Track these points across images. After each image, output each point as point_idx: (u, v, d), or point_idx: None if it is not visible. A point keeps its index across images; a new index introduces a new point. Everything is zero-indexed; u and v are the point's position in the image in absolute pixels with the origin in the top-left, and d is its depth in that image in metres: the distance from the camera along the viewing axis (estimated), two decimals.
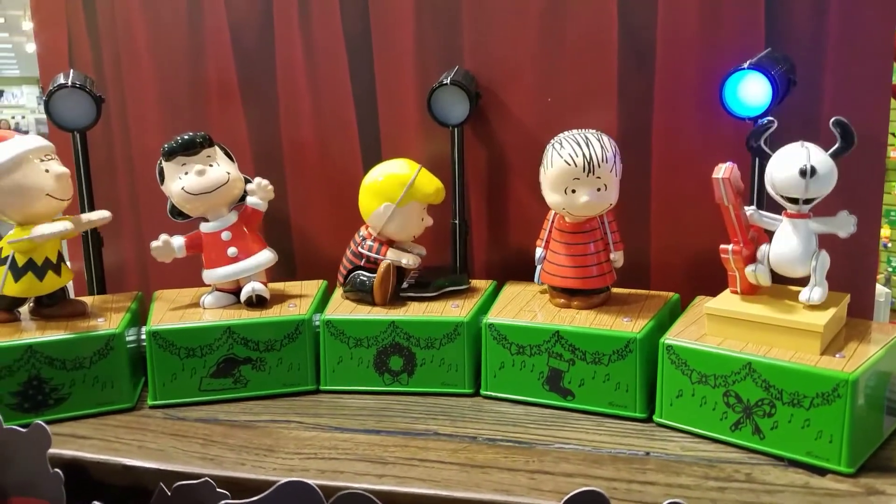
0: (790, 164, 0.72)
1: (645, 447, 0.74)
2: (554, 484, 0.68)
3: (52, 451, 0.72)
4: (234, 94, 1.07)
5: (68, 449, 0.77)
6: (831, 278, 0.75)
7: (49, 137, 0.92)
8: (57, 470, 0.70)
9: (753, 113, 0.81)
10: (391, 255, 0.90)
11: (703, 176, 0.76)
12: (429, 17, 0.99)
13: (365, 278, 0.90)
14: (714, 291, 0.82)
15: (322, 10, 1.02)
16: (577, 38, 0.94)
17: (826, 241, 0.75)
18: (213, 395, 0.87)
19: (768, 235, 0.78)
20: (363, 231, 0.93)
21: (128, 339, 0.87)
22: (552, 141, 0.83)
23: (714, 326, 0.77)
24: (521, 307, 0.88)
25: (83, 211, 0.99)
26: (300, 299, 0.93)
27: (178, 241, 0.91)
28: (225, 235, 0.91)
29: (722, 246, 0.77)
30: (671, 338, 0.78)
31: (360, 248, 0.92)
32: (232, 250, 0.91)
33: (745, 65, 0.80)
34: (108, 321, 0.87)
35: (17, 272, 0.86)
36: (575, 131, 0.82)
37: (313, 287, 0.98)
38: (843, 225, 0.73)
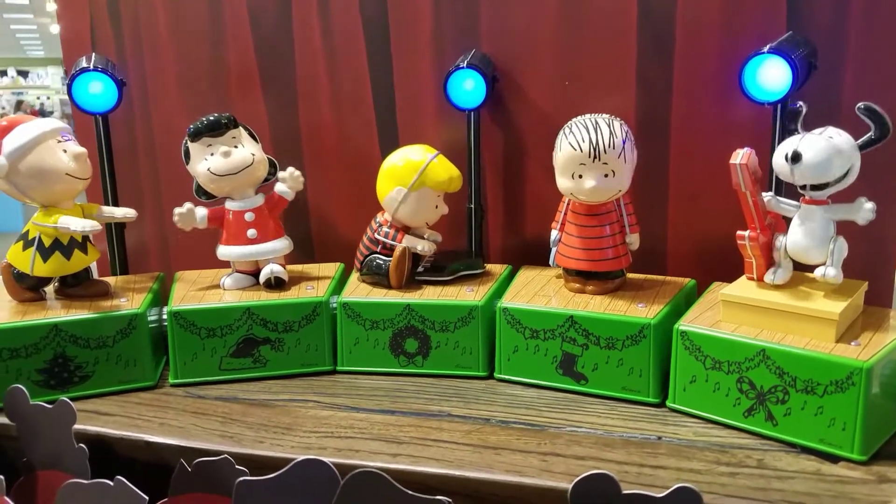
0: (782, 149, 0.71)
1: (657, 432, 0.75)
2: (565, 466, 0.69)
3: (76, 426, 0.74)
4: (253, 78, 1.07)
5: (92, 425, 0.79)
6: (849, 265, 0.75)
7: (73, 124, 0.94)
8: (82, 445, 0.73)
9: (773, 97, 0.81)
10: (407, 242, 0.91)
11: (721, 161, 0.76)
12: (446, 1, 0.99)
13: (381, 262, 0.91)
14: (731, 277, 0.82)
15: None
16: (596, 23, 0.94)
17: (845, 228, 0.74)
18: (233, 374, 0.89)
19: (786, 222, 0.77)
20: (380, 217, 0.93)
21: (150, 318, 0.89)
22: (564, 126, 0.83)
23: (729, 313, 0.77)
24: (536, 292, 0.88)
25: (106, 193, 1.01)
26: (318, 282, 0.94)
27: (202, 211, 0.93)
28: (248, 216, 0.93)
29: (738, 232, 0.77)
30: (685, 324, 0.78)
31: (376, 235, 0.92)
32: (252, 232, 0.92)
33: (765, 49, 0.79)
34: (131, 301, 0.89)
35: (45, 252, 0.87)
36: (587, 116, 0.82)
37: (331, 269, 0.99)
38: (861, 212, 0.72)
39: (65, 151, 0.87)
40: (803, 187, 0.73)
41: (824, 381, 0.69)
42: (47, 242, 0.87)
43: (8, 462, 0.79)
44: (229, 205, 0.93)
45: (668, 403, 0.79)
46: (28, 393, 0.76)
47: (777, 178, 0.78)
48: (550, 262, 0.91)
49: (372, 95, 1.04)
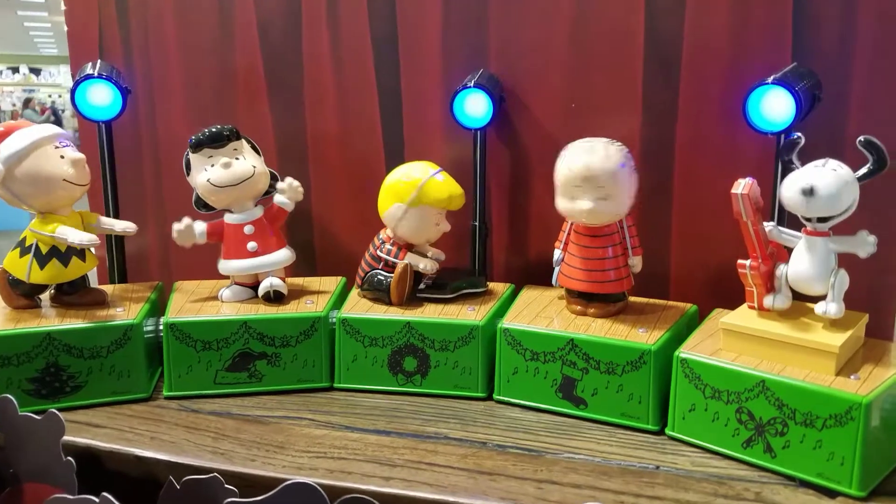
0: (795, 182, 0.71)
1: (655, 461, 0.74)
2: (561, 495, 0.68)
3: (66, 438, 0.73)
4: (260, 89, 1.07)
5: (83, 437, 0.78)
6: (852, 298, 0.74)
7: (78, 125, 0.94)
8: (69, 458, 0.72)
9: (777, 128, 0.80)
10: (409, 260, 0.90)
11: (725, 188, 0.75)
12: (456, 19, 0.99)
13: (382, 278, 0.91)
14: (734, 304, 0.81)
15: (350, 10, 1.02)
16: (604, 46, 0.94)
17: (847, 260, 0.74)
18: (228, 388, 0.88)
19: (787, 252, 0.77)
20: (382, 234, 0.93)
21: (146, 329, 0.88)
22: (564, 148, 0.83)
23: (729, 341, 0.77)
24: (538, 313, 0.87)
25: (107, 200, 1.00)
26: (318, 296, 0.94)
27: (201, 226, 0.92)
28: (248, 229, 0.92)
29: (739, 261, 0.76)
30: (686, 351, 0.77)
31: (378, 252, 0.92)
32: (252, 245, 0.92)
33: (770, 80, 0.79)
34: (127, 311, 0.89)
35: (42, 260, 0.87)
36: (587, 139, 0.82)
37: (332, 283, 0.99)
38: (863, 244, 0.72)
39: (62, 157, 0.87)
40: (808, 219, 0.72)
41: (823, 415, 0.68)
42: (44, 249, 0.87)
43: None
44: (228, 218, 0.92)
45: (668, 431, 0.78)
46: (18, 402, 0.75)
47: (779, 207, 0.77)
48: (553, 282, 0.90)
49: (379, 110, 1.04)
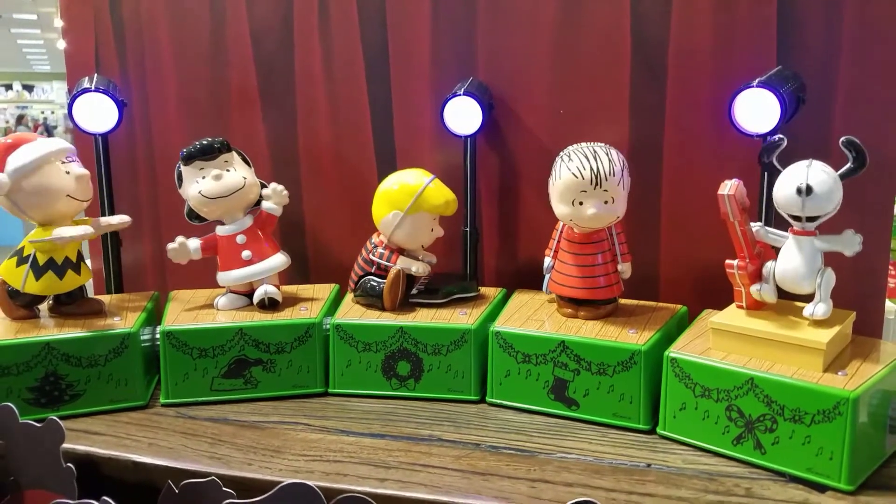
0: (789, 181, 0.72)
1: (647, 459, 0.75)
2: (554, 493, 0.69)
3: (65, 445, 0.74)
4: (253, 101, 1.08)
5: (82, 444, 0.79)
6: (840, 296, 0.75)
7: (73, 139, 0.95)
8: (69, 464, 0.72)
9: (762, 130, 0.82)
10: (401, 263, 0.92)
11: (712, 190, 0.76)
12: (445, 29, 1.00)
13: (375, 283, 0.92)
14: (723, 304, 0.82)
15: (341, 21, 1.04)
16: (590, 52, 0.95)
17: (835, 258, 0.75)
18: (224, 395, 0.89)
19: (775, 251, 0.78)
20: (374, 239, 0.94)
21: (142, 338, 0.89)
22: (561, 153, 0.84)
23: (719, 341, 0.78)
24: (529, 316, 0.89)
25: (104, 212, 1.01)
26: (312, 303, 0.95)
27: (194, 243, 0.93)
28: (240, 239, 0.93)
29: (727, 261, 0.77)
30: (676, 351, 0.78)
31: (371, 256, 0.93)
32: (246, 253, 0.93)
33: (754, 83, 0.80)
34: (124, 320, 0.90)
35: (38, 270, 0.88)
36: (584, 144, 0.83)
37: (325, 291, 1.00)
38: (849, 244, 0.73)
39: (67, 173, 0.88)
40: (797, 218, 0.74)
41: (812, 411, 0.69)
42: (41, 260, 0.88)
43: None
44: (220, 230, 0.94)
45: (659, 430, 0.79)
46: (18, 411, 0.76)
47: (766, 208, 0.78)
48: (544, 290, 0.91)
49: (370, 119, 1.05)
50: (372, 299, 0.92)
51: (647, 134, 0.95)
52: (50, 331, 0.86)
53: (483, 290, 0.99)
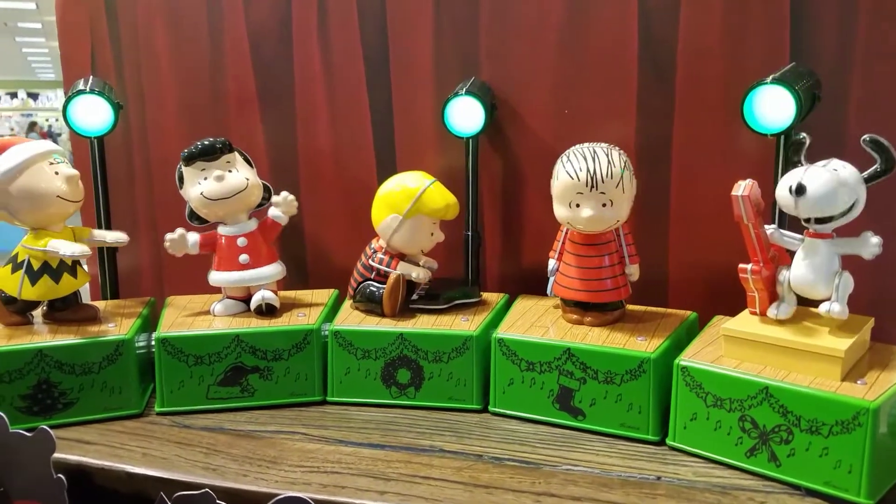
0: (786, 181, 0.70)
1: (656, 471, 0.72)
2: None
3: (57, 455, 0.72)
4: (252, 103, 1.07)
5: (74, 454, 0.77)
6: (857, 301, 0.72)
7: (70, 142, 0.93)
8: (60, 475, 0.71)
9: (776, 129, 0.79)
10: (401, 269, 0.89)
11: (723, 192, 0.74)
12: (447, 28, 0.98)
13: (375, 289, 0.89)
14: (734, 310, 0.79)
15: (341, 22, 1.02)
16: (596, 51, 0.93)
17: (852, 263, 0.72)
18: (221, 403, 0.86)
19: (789, 255, 0.75)
20: (374, 244, 0.92)
21: (138, 345, 0.87)
22: (562, 154, 0.82)
23: (731, 348, 0.75)
24: (533, 322, 0.86)
25: (99, 215, 1.00)
26: (310, 308, 0.92)
27: (194, 237, 0.91)
28: (241, 242, 0.91)
29: (740, 265, 0.75)
30: (686, 359, 0.75)
31: (370, 261, 0.91)
32: (244, 257, 0.91)
33: (769, 79, 0.78)
34: (119, 327, 0.87)
35: (34, 276, 0.86)
36: (586, 145, 0.81)
37: (324, 296, 0.97)
38: (866, 246, 0.70)
39: (56, 174, 0.86)
40: (808, 220, 0.71)
41: (829, 422, 0.67)
42: (36, 265, 0.86)
43: None
44: (222, 230, 0.92)
45: (669, 441, 0.77)
46: (10, 420, 0.74)
47: (780, 210, 0.76)
48: (548, 292, 0.89)
49: (371, 121, 1.04)
50: (371, 305, 0.90)
51: (655, 133, 0.92)
52: (43, 337, 0.84)
53: (485, 295, 0.96)
